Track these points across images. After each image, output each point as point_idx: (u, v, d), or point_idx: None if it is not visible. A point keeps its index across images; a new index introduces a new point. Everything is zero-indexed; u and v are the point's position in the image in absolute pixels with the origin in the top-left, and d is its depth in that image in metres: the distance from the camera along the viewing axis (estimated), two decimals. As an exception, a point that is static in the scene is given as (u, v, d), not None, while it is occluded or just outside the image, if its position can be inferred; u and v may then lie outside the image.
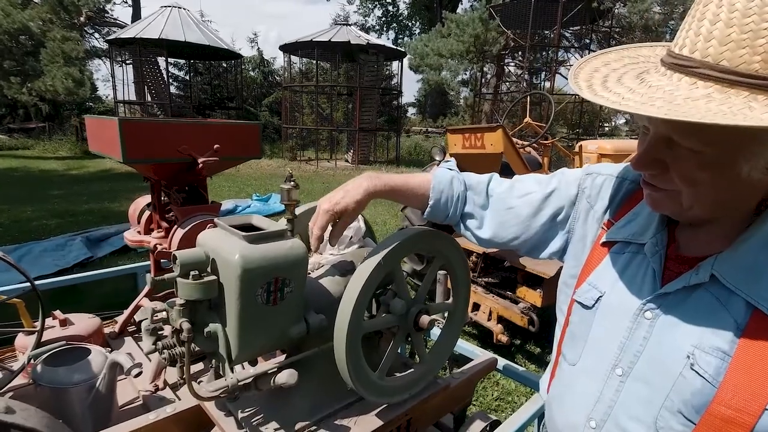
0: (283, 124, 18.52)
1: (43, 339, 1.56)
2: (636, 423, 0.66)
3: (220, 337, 0.90)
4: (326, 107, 20.55)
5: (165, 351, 0.89)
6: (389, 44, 19.64)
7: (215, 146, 1.68)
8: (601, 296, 0.74)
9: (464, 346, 1.57)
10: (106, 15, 21.80)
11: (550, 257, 0.94)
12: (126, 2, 22.95)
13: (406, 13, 29.80)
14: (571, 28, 16.77)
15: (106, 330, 1.98)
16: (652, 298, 0.67)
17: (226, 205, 7.61)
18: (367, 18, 30.19)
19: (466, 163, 3.08)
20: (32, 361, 1.40)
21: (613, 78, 0.61)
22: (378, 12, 29.97)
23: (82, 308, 1.94)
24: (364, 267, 0.94)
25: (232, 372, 0.93)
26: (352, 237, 1.25)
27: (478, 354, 1.49)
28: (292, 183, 1.01)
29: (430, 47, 15.84)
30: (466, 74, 18.46)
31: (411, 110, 35.23)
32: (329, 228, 0.94)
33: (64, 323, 1.77)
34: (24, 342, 1.63)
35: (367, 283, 0.93)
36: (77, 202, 8.01)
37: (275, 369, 1.00)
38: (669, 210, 0.66)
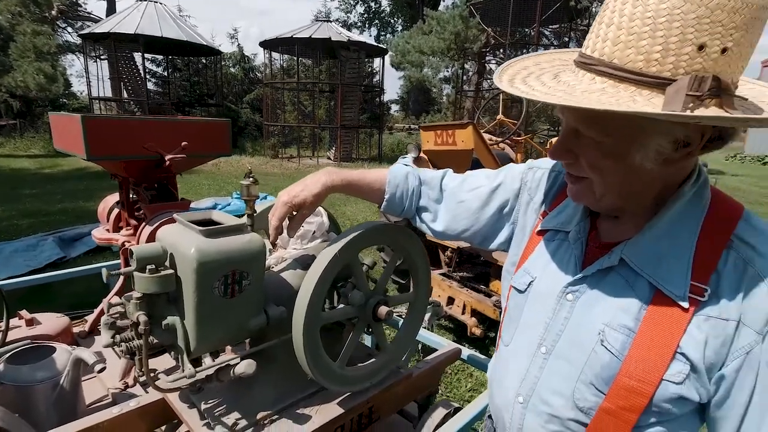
0: (264, 121, 18.33)
1: (9, 339, 1.55)
2: (557, 396, 0.72)
3: (179, 329, 0.92)
4: (308, 104, 20.41)
5: (122, 344, 0.91)
6: (371, 41, 19.60)
7: (183, 143, 1.68)
8: (532, 281, 0.80)
9: (430, 337, 1.62)
10: (79, 9, 21.20)
11: (498, 248, 0.99)
12: (100, -4, 22.31)
13: (388, 9, 29.75)
14: (550, 27, 17.03)
15: (77, 329, 1.96)
16: (572, 282, 0.73)
17: (206, 203, 7.51)
18: (349, 14, 30.04)
19: (438, 160, 3.13)
20: (-5, 361, 1.39)
21: (535, 75, 0.67)
22: (360, 8, 29.86)
23: (52, 308, 1.92)
24: (320, 259, 0.97)
25: (193, 364, 0.95)
26: (315, 231, 1.28)
27: (443, 344, 1.54)
28: (251, 179, 1.04)
29: (412, 44, 15.90)
30: (447, 71, 18.58)
31: (394, 107, 35.25)
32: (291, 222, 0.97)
33: (30, 323, 1.75)
34: (-12, 342, 1.61)
35: (323, 274, 0.96)
36: (50, 202, 7.81)
37: (238, 360, 1.02)
38: (586, 200, 0.71)
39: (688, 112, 0.52)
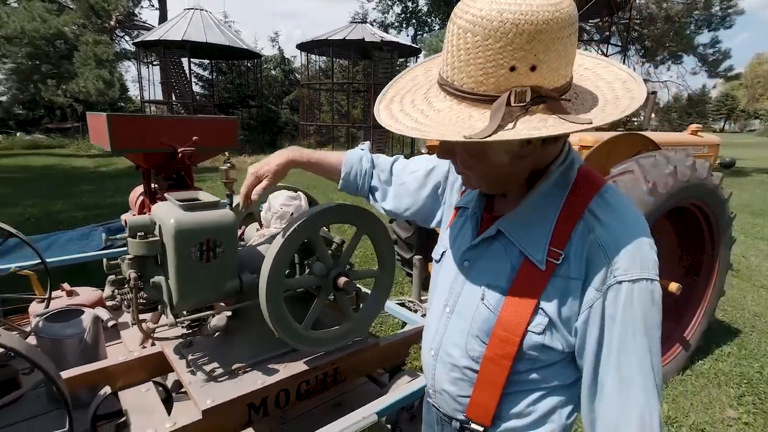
0: (300, 121, 18.92)
1: (51, 307, 1.83)
2: (455, 348, 0.84)
3: (164, 287, 1.12)
4: (345, 104, 20.85)
5: (118, 296, 1.11)
6: (407, 41, 19.73)
7: (193, 138, 1.91)
8: (445, 251, 0.92)
9: (404, 313, 1.75)
10: (134, 18, 22.76)
11: (438, 226, 1.12)
12: (152, 5, 23.84)
13: (425, 9, 29.68)
14: (591, 21, 16.44)
15: (110, 303, 2.26)
16: (467, 250, 0.85)
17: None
18: (386, 15, 30.22)
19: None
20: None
21: (411, 92, 0.76)
22: (397, 9, 29.96)
23: (91, 284, 2.21)
24: (282, 232, 1.14)
25: (175, 317, 1.14)
26: (293, 213, 1.44)
27: (417, 321, 1.67)
28: (229, 164, 1.22)
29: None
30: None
31: (431, 106, 34.97)
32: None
33: (70, 294, 2.05)
34: (36, 309, 1.92)
35: (284, 243, 1.12)
36: (104, 197, 8.55)
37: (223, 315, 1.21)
38: (471, 186, 0.83)
39: (510, 125, 0.62)
